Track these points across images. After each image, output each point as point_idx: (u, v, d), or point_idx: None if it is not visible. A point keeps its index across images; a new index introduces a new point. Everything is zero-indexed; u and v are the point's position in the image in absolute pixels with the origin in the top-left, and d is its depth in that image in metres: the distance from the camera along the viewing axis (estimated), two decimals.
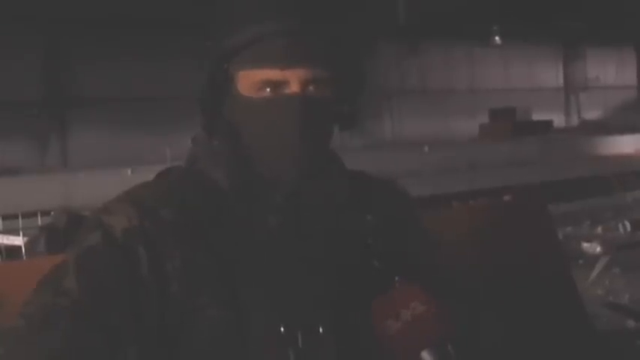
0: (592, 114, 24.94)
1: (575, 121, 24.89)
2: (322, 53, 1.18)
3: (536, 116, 21.19)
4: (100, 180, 10.38)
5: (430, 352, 1.05)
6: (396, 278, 1.11)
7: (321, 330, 1.16)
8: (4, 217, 6.12)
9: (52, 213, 5.07)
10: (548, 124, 20.54)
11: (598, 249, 6.19)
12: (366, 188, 1.33)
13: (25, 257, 4.74)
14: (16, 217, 5.94)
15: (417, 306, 1.07)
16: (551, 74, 25.06)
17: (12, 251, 5.35)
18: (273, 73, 1.16)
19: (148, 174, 1.32)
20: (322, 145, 1.24)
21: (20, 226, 5.77)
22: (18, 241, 5.33)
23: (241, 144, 1.23)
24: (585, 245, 6.31)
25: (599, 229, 7.18)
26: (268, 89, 1.18)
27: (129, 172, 11.28)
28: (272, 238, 1.19)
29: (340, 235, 1.23)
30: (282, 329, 1.15)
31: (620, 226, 6.62)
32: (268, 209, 1.20)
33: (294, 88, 1.17)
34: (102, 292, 1.11)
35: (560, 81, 25.39)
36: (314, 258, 1.20)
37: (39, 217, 5.85)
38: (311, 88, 1.18)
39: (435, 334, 1.06)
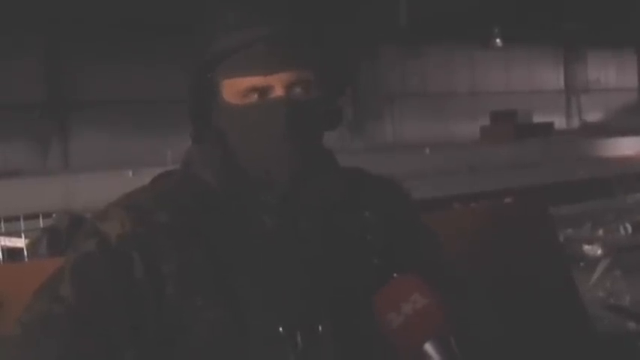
0: (593, 116, 24.95)
1: (576, 123, 24.90)
2: (304, 55, 1.18)
3: (537, 118, 21.20)
4: (101, 182, 10.39)
5: (433, 344, 1.05)
6: (394, 275, 1.11)
7: (320, 329, 1.17)
8: (6, 219, 6.12)
9: (54, 215, 5.08)
10: (549, 126, 20.54)
11: (599, 251, 6.19)
12: (362, 185, 1.33)
13: (27, 259, 4.75)
14: (17, 219, 5.94)
15: (418, 299, 1.07)
16: (552, 76, 25.07)
17: (14, 253, 5.35)
18: (257, 80, 1.17)
19: (149, 176, 1.32)
20: (313, 145, 1.24)
21: (22, 228, 5.78)
22: (20, 242, 5.33)
23: (230, 149, 1.23)
24: (586, 247, 6.31)
25: (601, 232, 7.17)
26: (254, 95, 1.18)
27: (130, 174, 11.29)
28: (268, 239, 1.20)
29: (338, 233, 1.23)
30: (280, 329, 1.15)
31: (622, 228, 6.62)
32: (263, 211, 1.21)
33: (279, 92, 1.17)
34: (97, 298, 1.12)
35: (561, 83, 25.40)
36: (312, 257, 1.20)
37: (40, 219, 5.85)
38: (296, 90, 1.19)
39: (437, 327, 1.06)
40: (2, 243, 5.52)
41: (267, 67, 1.16)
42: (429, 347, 1.05)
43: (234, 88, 1.19)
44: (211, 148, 1.25)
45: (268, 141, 1.18)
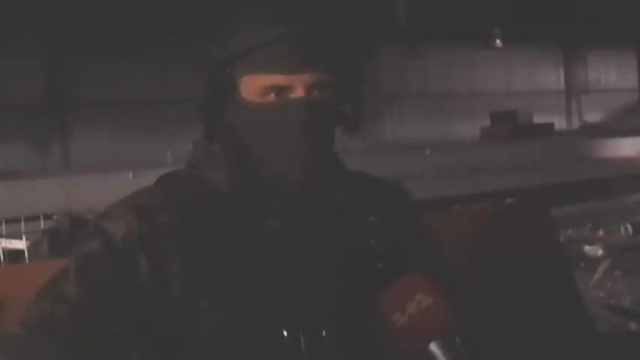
0: (593, 117, 24.95)
1: (576, 123, 24.90)
2: (326, 57, 1.18)
3: (538, 119, 21.20)
4: (102, 183, 10.40)
5: (438, 343, 1.05)
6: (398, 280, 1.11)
7: (324, 333, 1.16)
8: (7, 221, 6.13)
9: (55, 217, 5.09)
10: (550, 126, 20.55)
11: (600, 252, 6.18)
12: (368, 189, 1.33)
13: (27, 260, 4.75)
14: (18, 220, 5.95)
15: (423, 298, 1.07)
16: (552, 77, 25.08)
17: (15, 255, 5.36)
18: (278, 78, 1.16)
19: (150, 177, 1.32)
20: (326, 148, 1.24)
21: (23, 229, 5.79)
22: (20, 244, 5.34)
23: (243, 147, 1.22)
24: (587, 248, 6.30)
25: (601, 232, 7.17)
26: (273, 94, 1.18)
27: (130, 175, 11.29)
28: (273, 241, 1.19)
29: (342, 236, 1.22)
30: (284, 333, 1.15)
31: (622, 228, 6.60)
32: (269, 212, 1.20)
33: (299, 92, 1.17)
34: (102, 299, 1.12)
35: (562, 84, 25.41)
36: (316, 260, 1.20)
37: (41, 221, 5.86)
38: (315, 92, 1.18)
39: (441, 326, 1.06)
40: (3, 245, 5.53)
41: (291, 66, 1.15)
42: (434, 347, 1.05)
43: (254, 85, 1.18)
44: (222, 147, 1.25)
45: (284, 141, 1.18)
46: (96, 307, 1.11)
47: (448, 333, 1.06)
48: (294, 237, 1.20)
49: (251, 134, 1.21)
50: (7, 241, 5.56)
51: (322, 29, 1.18)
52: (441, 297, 1.07)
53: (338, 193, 1.25)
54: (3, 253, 5.50)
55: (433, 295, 1.07)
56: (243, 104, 1.20)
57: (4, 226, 6.05)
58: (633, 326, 3.93)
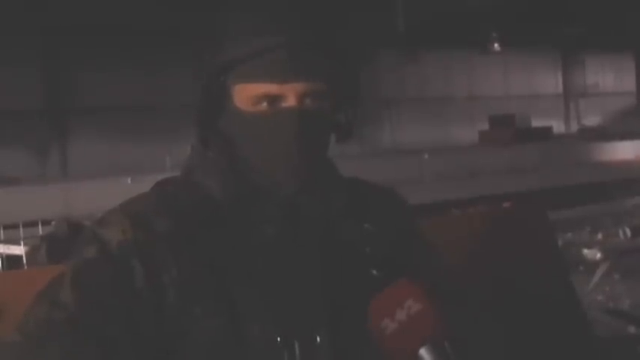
0: (591, 120, 24.96)
1: (574, 127, 24.91)
2: (319, 66, 1.18)
3: (536, 123, 21.22)
4: (100, 189, 10.39)
5: (427, 349, 1.05)
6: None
7: (318, 339, 1.17)
8: (5, 227, 6.13)
9: (53, 223, 5.09)
10: (548, 130, 20.57)
11: (598, 255, 6.19)
12: (363, 196, 1.33)
13: (25, 267, 4.75)
14: (16, 226, 5.95)
15: (412, 305, 1.07)
16: (550, 81, 25.09)
17: (13, 261, 5.35)
18: (270, 88, 1.17)
19: (148, 183, 1.32)
20: (319, 156, 1.24)
21: (21, 235, 5.78)
22: (19, 250, 5.34)
23: (237, 155, 1.23)
24: (585, 251, 6.31)
25: (600, 236, 7.17)
26: (265, 103, 1.18)
27: (129, 180, 11.28)
28: (268, 248, 1.19)
29: (337, 244, 1.23)
30: (279, 339, 1.15)
31: (621, 232, 6.60)
32: (264, 219, 1.21)
33: (291, 101, 1.17)
34: (98, 306, 1.12)
35: (560, 88, 25.42)
36: (311, 267, 1.20)
37: (39, 227, 5.86)
38: (307, 101, 1.18)
39: (431, 332, 1.06)
40: (1, 251, 5.53)
41: (283, 75, 1.16)
42: (423, 352, 1.05)
43: (246, 94, 1.18)
44: (217, 154, 1.25)
45: (277, 150, 1.18)
46: (92, 314, 1.11)
47: (437, 339, 1.06)
48: (289, 244, 1.20)
49: (244, 142, 1.21)
50: (6, 246, 5.56)
51: (315, 39, 1.18)
52: (430, 303, 1.07)
53: (332, 201, 1.26)
54: (1, 259, 5.50)
55: (423, 301, 1.07)
56: (236, 113, 1.20)
57: (2, 231, 6.06)
58: (632, 329, 3.93)
